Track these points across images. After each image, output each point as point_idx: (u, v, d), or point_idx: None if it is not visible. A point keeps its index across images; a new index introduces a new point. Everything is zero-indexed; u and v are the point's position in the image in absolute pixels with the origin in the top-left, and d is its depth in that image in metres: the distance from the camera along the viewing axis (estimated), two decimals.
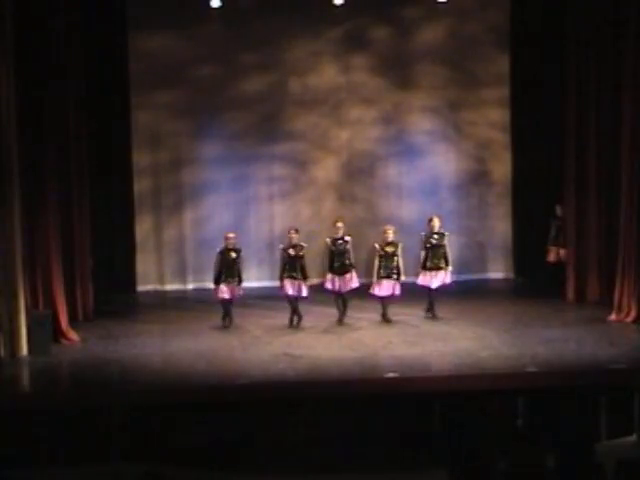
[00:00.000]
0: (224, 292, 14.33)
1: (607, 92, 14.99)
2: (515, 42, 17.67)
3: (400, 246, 14.44)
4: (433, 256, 14.56)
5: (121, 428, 11.16)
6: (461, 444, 10.82)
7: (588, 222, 15.48)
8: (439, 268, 14.54)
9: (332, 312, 14.61)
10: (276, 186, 17.92)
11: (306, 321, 14.45)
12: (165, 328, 14.60)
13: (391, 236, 14.45)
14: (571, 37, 15.47)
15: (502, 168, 18.11)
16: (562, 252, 16.26)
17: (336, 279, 14.48)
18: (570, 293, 15.68)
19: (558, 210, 16.46)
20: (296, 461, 10.72)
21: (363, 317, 14.76)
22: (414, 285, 14.71)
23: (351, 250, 14.57)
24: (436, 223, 14.63)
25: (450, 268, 14.61)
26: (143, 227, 17.70)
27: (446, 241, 14.63)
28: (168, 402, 11.42)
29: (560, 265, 16.21)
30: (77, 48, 14.80)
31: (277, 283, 14.60)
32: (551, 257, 16.58)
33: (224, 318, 14.45)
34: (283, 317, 14.62)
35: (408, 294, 14.72)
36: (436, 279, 14.56)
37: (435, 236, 14.58)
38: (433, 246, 14.55)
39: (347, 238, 14.56)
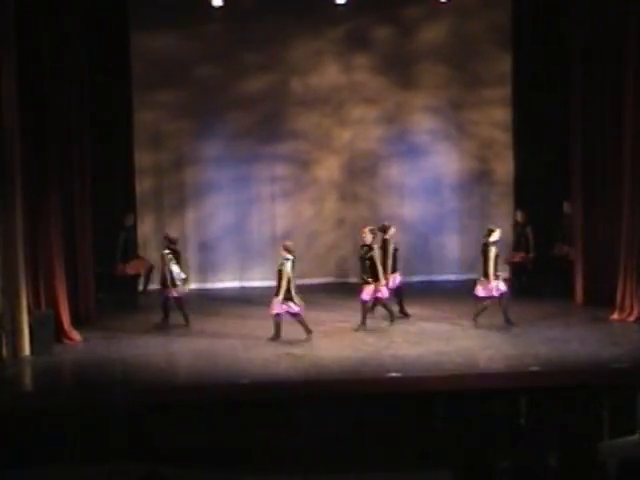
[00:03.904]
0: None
1: (610, 91, 14.96)
2: (517, 41, 17.64)
3: (375, 249, 14.08)
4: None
5: (123, 427, 11.16)
6: (463, 444, 10.83)
7: (592, 222, 15.45)
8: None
9: (332, 313, 14.59)
10: (278, 186, 17.91)
11: (308, 321, 14.43)
12: (167, 328, 14.59)
13: (367, 238, 14.17)
14: (573, 36, 15.46)
15: (504, 167, 18.08)
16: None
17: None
18: (573, 292, 15.65)
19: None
20: (296, 461, 10.71)
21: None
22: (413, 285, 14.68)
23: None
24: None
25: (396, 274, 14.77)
26: (145, 227, 17.68)
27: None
28: (170, 402, 11.42)
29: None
30: (79, 48, 14.78)
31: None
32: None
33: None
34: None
35: (408, 294, 14.75)
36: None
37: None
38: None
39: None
